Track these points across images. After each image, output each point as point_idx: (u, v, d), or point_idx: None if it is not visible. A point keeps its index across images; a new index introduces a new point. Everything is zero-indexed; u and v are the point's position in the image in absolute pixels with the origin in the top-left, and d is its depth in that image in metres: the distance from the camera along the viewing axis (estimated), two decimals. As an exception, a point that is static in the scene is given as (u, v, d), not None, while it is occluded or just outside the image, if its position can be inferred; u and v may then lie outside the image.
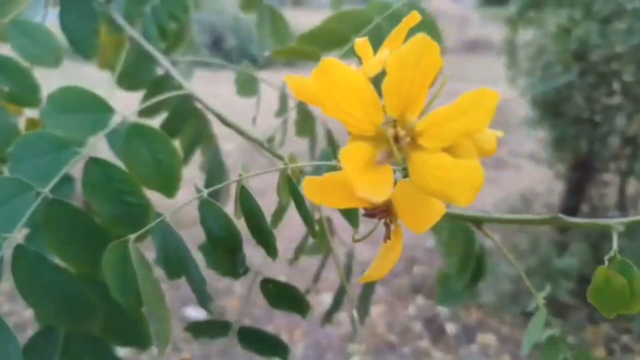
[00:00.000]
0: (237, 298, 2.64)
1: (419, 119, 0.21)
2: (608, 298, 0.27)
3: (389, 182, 0.20)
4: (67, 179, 0.44)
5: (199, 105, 0.61)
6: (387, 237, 0.25)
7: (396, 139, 0.21)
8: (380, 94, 0.21)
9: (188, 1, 0.66)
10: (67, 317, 0.38)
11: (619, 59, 2.17)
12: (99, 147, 0.46)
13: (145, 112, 0.62)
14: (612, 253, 0.27)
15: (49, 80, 0.60)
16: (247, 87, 0.67)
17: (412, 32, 0.52)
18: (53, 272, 0.36)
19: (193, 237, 0.43)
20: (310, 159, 0.64)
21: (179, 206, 0.32)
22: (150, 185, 0.41)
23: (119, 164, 0.43)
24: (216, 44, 7.86)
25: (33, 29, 0.58)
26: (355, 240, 0.28)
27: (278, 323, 2.25)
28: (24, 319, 1.86)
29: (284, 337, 0.71)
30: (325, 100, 0.21)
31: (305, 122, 0.64)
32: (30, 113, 0.64)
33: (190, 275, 0.34)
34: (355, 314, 0.48)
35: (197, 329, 0.47)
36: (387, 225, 0.25)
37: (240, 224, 0.36)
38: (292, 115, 0.64)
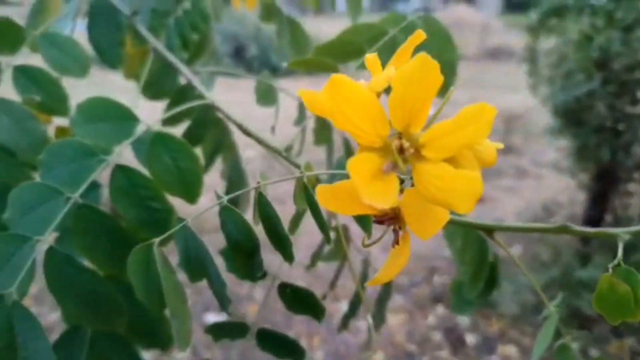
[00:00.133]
0: (257, 304, 2.66)
1: (422, 132, 0.22)
2: (612, 305, 0.28)
3: (394, 190, 0.22)
4: (95, 185, 0.46)
5: (220, 115, 0.63)
6: (396, 242, 0.26)
7: (401, 150, 0.22)
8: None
9: (209, 13, 0.68)
10: (93, 316, 0.39)
11: (642, 67, 2.15)
12: (125, 154, 0.48)
13: (169, 121, 0.65)
14: (616, 261, 0.28)
15: (76, 87, 0.63)
16: (266, 96, 0.69)
17: (426, 43, 0.53)
18: (81, 274, 0.38)
19: (214, 243, 0.45)
20: (328, 167, 0.65)
21: (201, 212, 0.34)
22: (173, 191, 0.43)
23: (144, 171, 0.44)
24: (238, 53, 7.95)
25: (63, 41, 0.60)
26: (365, 245, 0.29)
27: (297, 329, 2.26)
28: (49, 322, 1.90)
29: (303, 344, 0.71)
30: (336, 114, 0.22)
31: (323, 131, 0.66)
32: (59, 121, 0.67)
33: (211, 279, 0.35)
34: (370, 320, 0.49)
35: (217, 331, 0.48)
36: (395, 232, 0.26)
37: (259, 230, 0.37)
38: (310, 124, 0.66)
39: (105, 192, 0.45)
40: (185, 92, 0.63)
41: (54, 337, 0.48)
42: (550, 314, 0.36)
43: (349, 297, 0.78)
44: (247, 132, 0.48)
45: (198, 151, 0.71)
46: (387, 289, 0.62)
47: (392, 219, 0.25)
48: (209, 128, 0.69)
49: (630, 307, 0.27)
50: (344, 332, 0.70)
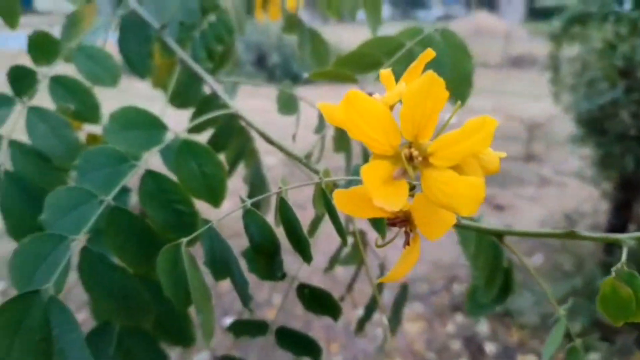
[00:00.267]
0: (275, 309, 2.68)
1: (430, 142, 0.24)
2: (615, 307, 0.29)
3: (403, 194, 0.24)
4: (124, 190, 0.49)
5: (242, 123, 0.66)
6: (407, 243, 0.28)
7: (410, 158, 0.24)
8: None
9: (233, 25, 0.71)
10: (123, 312, 0.42)
11: (666, 76, 2.12)
12: (152, 160, 0.50)
13: (194, 129, 0.67)
14: (619, 265, 0.29)
15: (102, 94, 0.66)
16: (287, 105, 0.71)
17: (443, 55, 0.55)
18: (113, 272, 0.40)
19: (235, 247, 0.47)
20: (346, 174, 0.67)
21: (225, 214, 0.36)
22: (198, 195, 0.45)
23: (171, 176, 0.47)
24: (260, 62, 8.05)
25: (96, 53, 0.64)
26: (378, 246, 0.31)
27: (315, 335, 2.27)
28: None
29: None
30: (351, 126, 0.24)
31: (342, 139, 0.68)
32: (90, 128, 0.70)
33: (234, 277, 0.37)
34: (385, 321, 0.51)
35: (238, 329, 0.50)
36: (406, 234, 0.28)
37: (279, 232, 0.39)
38: (330, 132, 0.68)
39: (133, 196, 0.48)
40: (210, 101, 0.66)
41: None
42: (560, 317, 0.37)
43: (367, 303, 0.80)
44: (268, 140, 0.50)
45: (221, 157, 0.74)
46: (403, 294, 0.64)
47: (404, 221, 0.27)
48: (232, 136, 0.72)
49: (632, 309, 0.29)
50: (362, 338, 0.71)
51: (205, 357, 2.11)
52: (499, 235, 0.38)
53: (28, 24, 0.72)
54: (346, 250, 0.61)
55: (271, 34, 7.59)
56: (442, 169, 0.24)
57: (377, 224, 0.32)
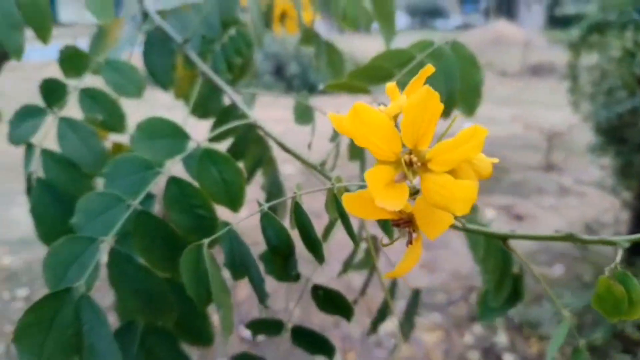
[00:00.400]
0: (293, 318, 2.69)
1: (428, 149, 0.27)
2: (609, 305, 0.31)
3: (404, 196, 0.26)
4: (149, 196, 0.52)
5: (260, 132, 0.68)
6: (410, 242, 0.30)
7: (411, 163, 0.26)
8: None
9: (252, 39, 0.74)
10: (147, 309, 0.45)
11: (686, 84, 2.10)
12: (174, 167, 0.53)
13: (215, 138, 0.70)
14: (613, 265, 0.31)
15: (124, 102, 0.69)
16: (303, 115, 0.74)
17: (453, 67, 0.57)
18: (139, 272, 0.43)
19: (255, 254, 0.49)
20: (360, 181, 0.69)
21: (244, 218, 0.39)
22: (219, 200, 0.48)
23: (192, 182, 0.50)
24: (279, 72, 8.13)
25: (122, 66, 0.67)
26: (384, 245, 0.33)
27: (332, 344, 2.28)
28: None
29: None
30: (357, 134, 0.27)
31: (356, 147, 0.70)
32: (115, 137, 0.74)
33: (251, 276, 0.40)
34: (397, 322, 0.53)
35: (256, 327, 0.53)
36: (410, 234, 0.30)
37: (294, 236, 0.42)
38: (345, 140, 0.70)
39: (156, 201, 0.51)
40: (230, 112, 0.69)
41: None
42: (564, 317, 0.39)
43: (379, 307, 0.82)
44: (284, 148, 0.53)
45: (240, 165, 0.77)
46: (415, 299, 0.66)
47: (407, 222, 0.30)
48: (251, 144, 0.74)
49: (625, 307, 0.30)
50: (379, 348, 0.72)
51: (223, 361, 2.13)
52: (504, 239, 0.40)
53: (53, 36, 0.76)
54: (358, 255, 0.63)
55: (289, 45, 7.67)
56: (439, 173, 0.26)
57: (385, 225, 0.34)
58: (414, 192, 0.28)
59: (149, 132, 0.51)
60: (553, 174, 4.76)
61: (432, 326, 2.55)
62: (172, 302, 0.45)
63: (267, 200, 0.75)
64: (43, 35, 0.66)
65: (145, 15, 0.71)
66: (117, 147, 0.73)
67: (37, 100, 0.67)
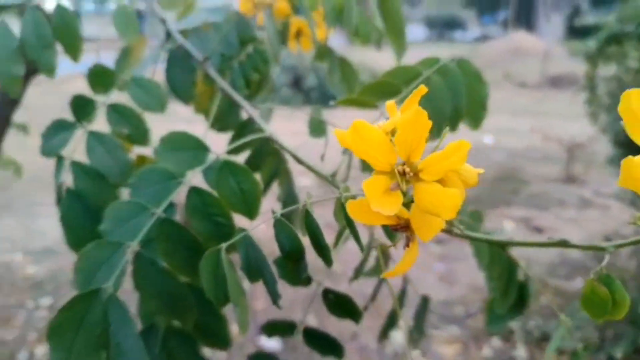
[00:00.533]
0: (310, 329, 2.71)
1: (420, 161, 0.30)
2: (594, 306, 0.33)
3: (398, 202, 0.29)
4: (171, 204, 0.55)
5: (276, 145, 0.72)
6: (407, 245, 0.33)
7: (404, 174, 0.29)
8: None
9: (269, 56, 0.77)
10: (169, 310, 0.48)
11: None
12: (194, 178, 0.57)
13: (233, 151, 0.74)
14: (598, 268, 0.33)
15: (151, 117, 0.73)
16: (317, 129, 0.77)
17: (459, 82, 0.60)
18: (162, 275, 0.47)
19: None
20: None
21: (258, 224, 0.42)
22: (236, 209, 0.51)
23: (212, 192, 0.53)
24: (297, 84, 8.21)
25: (146, 83, 0.71)
26: (384, 248, 0.36)
27: (350, 357, 2.29)
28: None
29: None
30: (357, 148, 0.30)
31: (368, 159, 0.73)
32: (139, 150, 0.78)
33: (265, 278, 0.43)
34: (409, 328, 0.55)
35: (271, 329, 0.56)
36: (407, 238, 0.33)
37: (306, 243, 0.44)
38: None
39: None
40: (247, 126, 0.72)
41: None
42: (561, 320, 0.41)
43: (401, 327, 0.84)
44: (298, 160, 0.56)
45: (257, 177, 0.80)
46: (424, 305, 0.68)
47: (404, 227, 0.33)
48: (267, 157, 0.78)
49: (609, 308, 0.32)
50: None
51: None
52: (503, 246, 0.42)
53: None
54: (369, 263, 0.65)
55: (306, 57, 7.73)
56: (430, 182, 0.29)
57: (387, 231, 0.37)
58: (410, 202, 0.31)
59: (172, 145, 0.55)
60: (573, 186, 4.71)
61: (450, 339, 2.55)
62: (192, 304, 0.49)
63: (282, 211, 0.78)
64: (74, 54, 0.70)
65: (168, 35, 0.75)
66: (141, 159, 0.77)
67: (62, 112, 0.71)
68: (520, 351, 2.38)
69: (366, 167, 0.75)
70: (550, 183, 4.87)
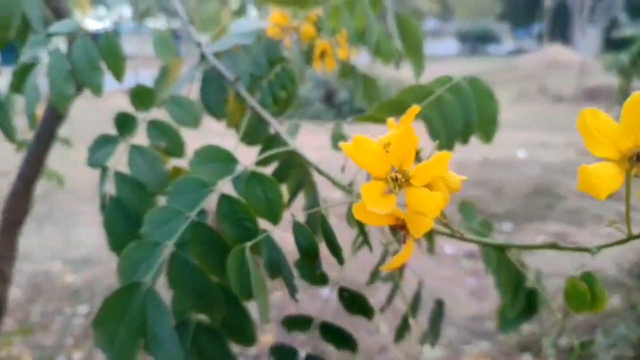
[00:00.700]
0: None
1: (410, 169, 0.34)
2: (575, 300, 0.37)
3: (391, 204, 0.34)
4: (202, 211, 0.61)
5: (301, 158, 0.77)
6: (403, 241, 0.38)
7: (397, 180, 0.34)
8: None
9: (296, 75, 0.83)
10: (200, 306, 0.53)
11: None
12: (223, 186, 0.62)
13: (261, 162, 0.80)
14: (579, 265, 0.36)
15: (186, 131, 0.80)
16: (339, 143, 0.82)
17: (470, 99, 0.64)
18: (194, 273, 0.52)
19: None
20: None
21: (275, 228, 0.47)
22: (261, 215, 0.57)
23: (240, 199, 0.59)
24: (328, 99, 8.31)
25: (182, 101, 0.78)
26: (382, 244, 0.40)
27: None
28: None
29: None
30: (357, 158, 0.35)
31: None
32: (175, 162, 0.85)
33: (284, 273, 0.48)
34: (424, 331, 0.58)
35: (290, 323, 0.60)
36: (404, 236, 0.38)
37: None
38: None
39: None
40: (274, 140, 0.78)
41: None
42: (558, 319, 0.44)
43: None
44: (319, 171, 0.61)
45: (284, 187, 0.86)
46: (439, 309, 0.71)
47: (402, 227, 0.37)
48: (292, 169, 0.83)
49: (588, 302, 0.36)
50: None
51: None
52: (501, 249, 0.46)
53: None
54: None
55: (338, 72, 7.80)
56: (419, 187, 0.34)
57: (393, 230, 0.42)
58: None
59: (205, 157, 0.61)
60: (610, 201, 4.60)
61: (481, 354, 2.54)
62: (221, 302, 0.54)
63: (307, 220, 0.84)
64: (118, 75, 0.78)
65: (202, 56, 0.82)
66: (177, 170, 0.84)
67: (102, 126, 0.79)
68: (551, 369, 2.35)
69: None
70: (586, 198, 4.78)
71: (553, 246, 0.41)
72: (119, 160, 0.75)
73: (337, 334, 0.58)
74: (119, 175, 0.72)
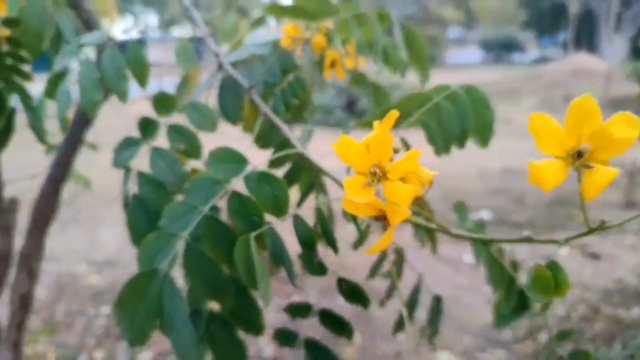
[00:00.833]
0: (354, 347, 2.77)
1: (387, 165, 0.39)
2: (541, 286, 0.40)
3: (370, 195, 0.39)
4: (215, 208, 0.67)
5: (309, 162, 0.82)
6: (385, 229, 0.42)
7: (376, 174, 0.39)
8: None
9: (307, 84, 0.88)
10: (212, 293, 0.59)
11: None
12: (235, 184, 0.68)
13: (274, 164, 0.85)
14: (548, 256, 0.40)
15: (204, 136, 0.85)
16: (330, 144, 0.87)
17: (467, 107, 0.68)
18: (207, 262, 0.57)
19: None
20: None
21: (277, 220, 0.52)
22: (268, 210, 0.62)
23: (249, 195, 0.64)
24: (350, 106, 8.36)
25: (201, 107, 0.84)
26: (359, 231, 0.45)
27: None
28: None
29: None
30: (343, 156, 0.40)
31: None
32: (193, 163, 0.90)
33: (284, 261, 0.53)
34: (422, 326, 0.63)
35: (292, 310, 0.65)
36: (384, 225, 0.43)
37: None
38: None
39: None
40: (285, 144, 0.83)
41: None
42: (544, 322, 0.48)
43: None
44: (324, 173, 0.66)
45: (296, 188, 0.91)
46: (437, 305, 0.75)
47: (383, 217, 0.42)
48: (303, 171, 0.88)
49: (552, 288, 0.40)
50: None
51: None
52: (485, 243, 0.50)
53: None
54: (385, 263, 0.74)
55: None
56: (394, 180, 0.39)
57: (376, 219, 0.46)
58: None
59: (218, 158, 0.66)
60: (633, 211, 4.54)
61: (497, 363, 2.54)
62: (231, 289, 0.59)
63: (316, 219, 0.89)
64: (142, 82, 0.84)
65: (220, 66, 0.88)
66: (195, 172, 0.89)
67: (126, 132, 0.85)
68: (569, 379, 2.34)
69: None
70: (609, 208, 4.72)
71: (526, 240, 0.45)
72: (141, 162, 0.81)
73: (335, 321, 0.63)
74: (141, 175, 0.78)
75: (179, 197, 0.78)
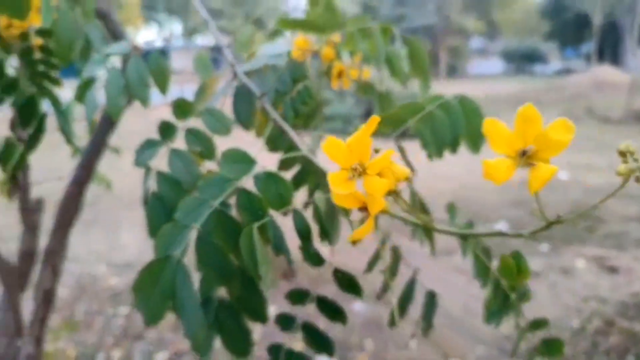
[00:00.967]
0: (367, 353, 2.81)
1: (367, 162, 0.45)
2: (506, 273, 0.46)
3: (352, 187, 0.45)
4: (225, 204, 0.73)
5: (314, 164, 0.88)
6: (366, 219, 0.48)
7: (357, 170, 0.45)
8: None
9: (316, 93, 0.95)
10: (222, 279, 0.65)
11: None
12: (244, 182, 0.74)
13: (283, 166, 0.91)
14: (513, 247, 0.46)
15: (219, 139, 0.92)
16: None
17: (458, 116, 0.73)
18: (217, 251, 0.64)
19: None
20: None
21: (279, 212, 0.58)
22: (274, 206, 0.68)
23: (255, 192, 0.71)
24: (369, 115, 8.39)
25: (216, 112, 0.91)
26: (350, 221, 0.51)
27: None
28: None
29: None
30: (329, 155, 0.46)
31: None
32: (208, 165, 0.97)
33: (283, 250, 0.59)
34: (417, 321, 0.68)
35: (292, 297, 0.71)
36: (366, 215, 0.48)
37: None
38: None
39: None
40: (294, 148, 0.90)
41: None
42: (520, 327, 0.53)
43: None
44: (324, 174, 0.72)
45: (304, 189, 0.97)
46: (431, 300, 0.80)
47: (365, 208, 0.48)
48: (310, 174, 0.95)
49: (515, 274, 0.45)
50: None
51: None
52: (464, 237, 0.55)
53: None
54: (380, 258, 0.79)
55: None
56: (372, 176, 0.45)
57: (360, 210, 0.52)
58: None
59: (230, 159, 0.72)
60: (651, 226, 4.51)
61: (508, 372, 2.55)
62: (238, 276, 0.65)
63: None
64: (163, 90, 0.91)
65: (235, 75, 0.95)
66: (209, 172, 0.96)
67: (147, 136, 0.92)
68: (584, 390, 2.35)
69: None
70: (629, 222, 4.68)
71: (497, 234, 0.50)
72: (160, 162, 0.88)
73: (331, 307, 0.69)
74: (160, 174, 0.85)
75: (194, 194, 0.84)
